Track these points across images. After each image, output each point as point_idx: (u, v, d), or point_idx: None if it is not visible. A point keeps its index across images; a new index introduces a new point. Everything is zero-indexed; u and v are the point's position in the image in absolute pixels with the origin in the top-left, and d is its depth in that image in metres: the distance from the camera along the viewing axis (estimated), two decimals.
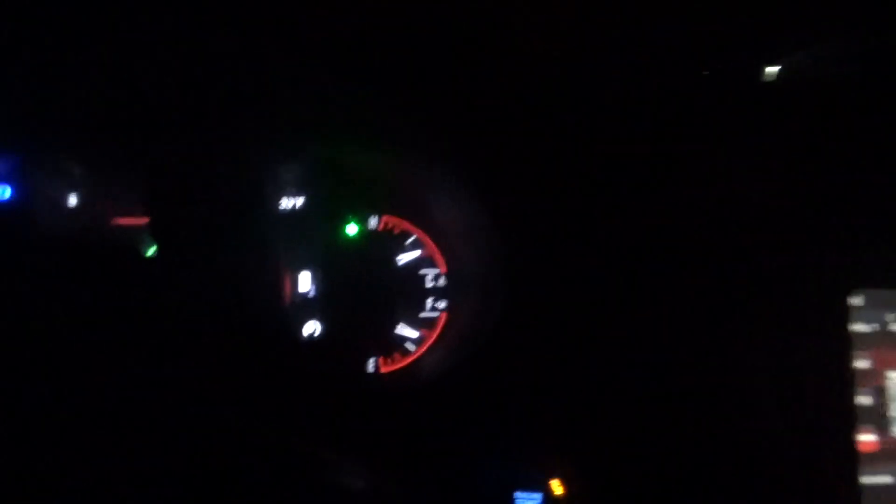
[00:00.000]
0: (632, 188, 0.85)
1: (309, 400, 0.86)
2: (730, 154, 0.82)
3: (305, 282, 0.94)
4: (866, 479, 0.78)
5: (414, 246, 0.95)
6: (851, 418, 0.78)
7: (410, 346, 0.95)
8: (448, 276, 0.95)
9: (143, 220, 0.90)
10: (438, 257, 0.95)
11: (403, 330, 0.94)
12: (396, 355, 0.94)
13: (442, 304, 0.95)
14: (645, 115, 0.84)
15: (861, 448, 0.79)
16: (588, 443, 0.81)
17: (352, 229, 0.95)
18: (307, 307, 0.93)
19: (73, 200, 0.91)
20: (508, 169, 0.88)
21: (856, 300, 0.81)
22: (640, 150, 0.85)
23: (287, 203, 0.95)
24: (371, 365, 0.94)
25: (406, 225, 0.95)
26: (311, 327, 0.94)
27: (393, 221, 0.96)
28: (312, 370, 0.91)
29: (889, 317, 0.81)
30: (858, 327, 0.80)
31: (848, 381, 0.79)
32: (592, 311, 0.84)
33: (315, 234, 0.94)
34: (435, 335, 0.95)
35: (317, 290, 0.93)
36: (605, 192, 0.86)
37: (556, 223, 0.86)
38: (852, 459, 0.78)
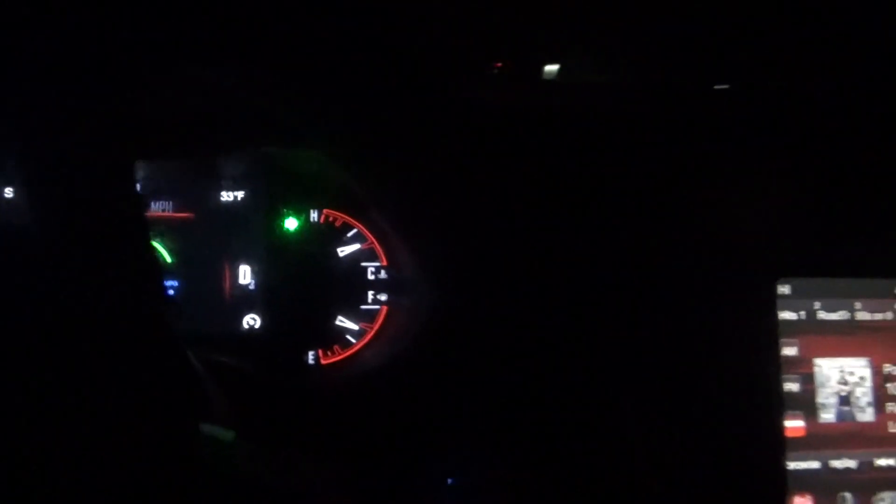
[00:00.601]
0: (567, 186, 0.86)
1: (247, 392, 0.86)
2: (657, 148, 0.83)
3: (245, 275, 0.94)
4: (793, 465, 0.79)
5: (355, 239, 0.95)
6: (779, 404, 0.79)
7: (351, 339, 0.95)
8: (388, 269, 0.95)
9: None
10: (379, 251, 0.95)
11: (344, 322, 0.94)
12: (336, 348, 0.94)
13: (383, 297, 0.95)
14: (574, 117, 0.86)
15: (788, 434, 0.80)
16: (523, 434, 0.82)
17: (292, 223, 0.95)
18: (247, 300, 0.93)
19: None
20: (447, 167, 0.89)
21: (783, 288, 0.82)
22: (577, 150, 0.86)
23: (227, 196, 0.95)
24: (311, 357, 0.94)
25: (347, 219, 0.95)
26: (251, 320, 0.93)
27: (334, 215, 0.96)
28: (251, 363, 0.90)
29: (816, 305, 0.82)
30: (786, 315, 0.82)
31: (776, 367, 0.80)
32: (530, 304, 0.85)
33: (255, 228, 0.94)
34: (375, 328, 0.95)
35: (256, 283, 0.93)
36: (540, 187, 0.87)
37: (494, 218, 0.87)
38: (779, 445, 0.79)
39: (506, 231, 0.86)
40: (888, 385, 0.82)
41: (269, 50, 0.83)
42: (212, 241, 0.93)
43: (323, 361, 0.94)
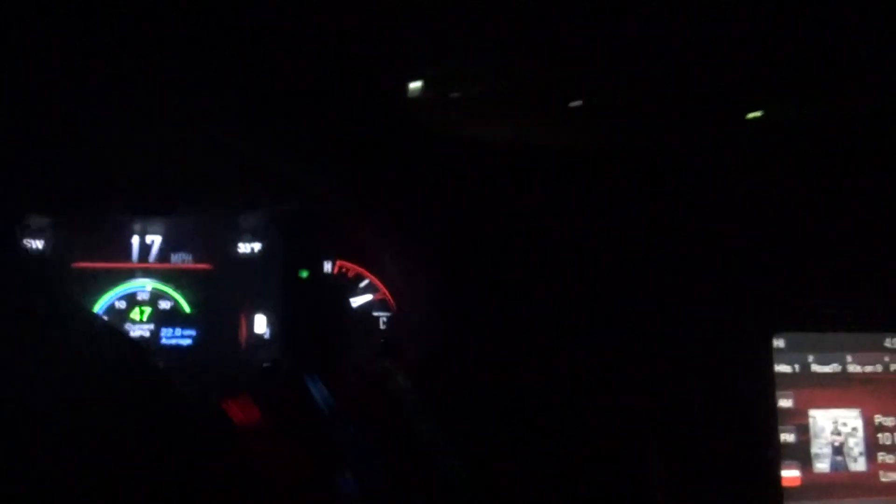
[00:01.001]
0: (565, 237, 0.90)
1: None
2: (653, 198, 0.88)
3: (261, 324, 0.97)
4: None
5: (367, 289, 0.99)
6: (777, 455, 0.83)
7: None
8: (399, 317, 0.99)
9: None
10: (390, 300, 0.99)
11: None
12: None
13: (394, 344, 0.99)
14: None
15: (785, 483, 0.83)
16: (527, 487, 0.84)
17: (307, 274, 0.99)
18: (262, 348, 0.96)
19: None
20: (451, 221, 0.92)
21: (779, 342, 0.86)
22: (580, 193, 0.90)
23: (244, 249, 0.98)
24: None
25: (359, 269, 0.99)
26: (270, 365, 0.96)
27: (346, 266, 1.00)
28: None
29: (810, 358, 0.86)
30: (781, 368, 0.85)
31: (773, 419, 0.83)
32: (533, 347, 0.88)
33: (271, 279, 0.97)
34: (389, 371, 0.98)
35: (272, 331, 0.97)
36: (542, 238, 0.90)
37: (501, 261, 0.90)
38: (776, 495, 0.82)
39: (509, 272, 0.89)
40: (879, 435, 0.86)
41: (266, 109, 0.87)
42: (229, 291, 0.97)
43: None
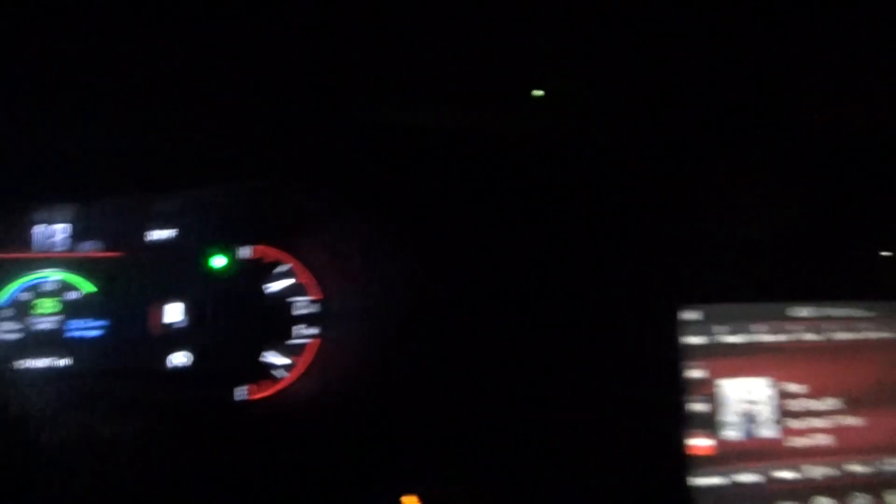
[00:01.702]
0: (496, 219, 0.90)
1: (176, 430, 0.87)
2: (566, 179, 0.88)
3: (175, 313, 0.95)
4: (699, 481, 0.84)
5: (286, 275, 0.98)
6: (683, 424, 0.84)
7: (280, 373, 0.96)
8: (322, 302, 0.98)
9: None
10: (313, 285, 0.98)
11: (271, 357, 0.96)
12: (266, 383, 0.96)
13: (312, 331, 0.97)
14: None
15: (694, 451, 0.85)
16: (456, 462, 0.84)
17: (221, 261, 0.97)
18: (176, 338, 0.94)
19: None
20: (384, 201, 0.92)
21: (688, 315, 0.87)
22: (506, 182, 0.90)
23: (157, 235, 0.96)
24: (240, 393, 0.95)
25: (279, 254, 0.98)
26: (181, 358, 0.94)
27: (265, 251, 0.98)
28: (179, 400, 0.91)
29: (719, 329, 0.88)
30: (691, 340, 0.87)
31: (680, 389, 0.85)
32: (459, 340, 0.88)
33: (184, 266, 0.95)
34: (305, 362, 0.97)
35: (185, 320, 0.94)
36: (470, 219, 0.91)
37: (428, 252, 0.90)
38: (684, 463, 0.83)
39: (439, 261, 0.89)
40: (787, 402, 0.88)
41: (196, 84, 0.86)
42: (140, 280, 0.94)
43: (253, 397, 0.95)
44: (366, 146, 0.92)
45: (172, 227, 0.96)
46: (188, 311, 0.94)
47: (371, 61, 0.91)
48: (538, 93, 1.01)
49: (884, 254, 0.95)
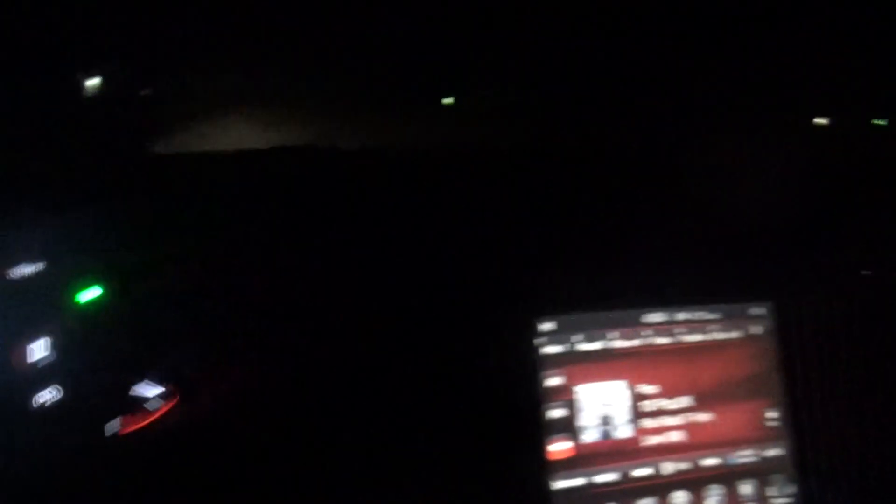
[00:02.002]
0: (354, 230, 0.93)
1: (45, 469, 0.86)
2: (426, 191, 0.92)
3: (40, 349, 0.93)
4: (559, 484, 0.88)
5: None
6: (542, 430, 0.88)
7: (155, 404, 0.96)
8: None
9: None
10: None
11: (144, 388, 0.96)
12: (140, 415, 0.95)
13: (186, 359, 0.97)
14: None
15: (556, 456, 0.89)
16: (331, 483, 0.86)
17: (89, 294, 0.96)
18: (42, 375, 0.92)
19: None
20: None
21: (546, 325, 0.92)
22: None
23: (20, 269, 0.94)
24: (112, 427, 0.94)
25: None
26: (48, 395, 0.93)
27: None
28: (46, 438, 0.89)
29: (575, 338, 0.93)
30: (549, 349, 0.91)
31: (539, 397, 0.89)
32: (332, 356, 0.90)
33: (51, 301, 0.94)
34: (179, 390, 0.97)
35: (53, 356, 0.93)
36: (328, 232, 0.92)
37: (290, 269, 0.92)
38: (544, 467, 0.87)
39: (303, 278, 0.91)
40: (641, 403, 0.93)
41: None
42: (2, 317, 0.93)
43: (126, 430, 0.94)
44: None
45: (36, 261, 0.94)
46: (55, 346, 0.92)
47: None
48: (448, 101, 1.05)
49: (729, 260, 1.01)
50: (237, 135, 0.94)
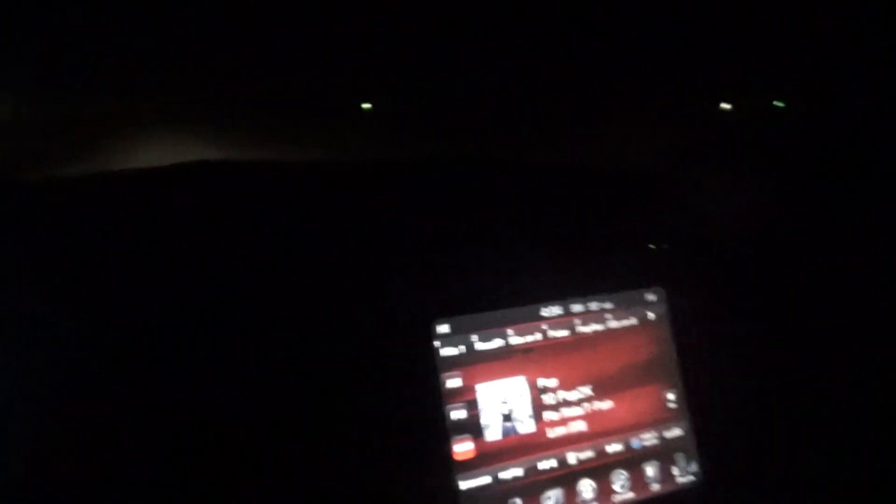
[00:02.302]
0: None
1: None
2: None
3: None
4: (467, 483, 0.89)
5: None
6: (445, 432, 0.89)
7: None
8: None
9: None
10: None
11: None
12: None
13: None
14: None
15: (459, 456, 0.89)
16: None
17: None
18: None
19: None
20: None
21: (442, 328, 0.92)
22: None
23: None
24: None
25: None
26: None
27: None
28: None
29: (473, 338, 0.93)
30: (447, 351, 0.92)
31: (438, 399, 0.89)
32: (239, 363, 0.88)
33: None
34: None
35: None
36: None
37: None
38: (448, 468, 0.88)
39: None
40: (543, 397, 0.95)
41: None
42: None
43: None
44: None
45: None
46: None
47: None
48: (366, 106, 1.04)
49: (620, 248, 1.04)
50: (147, 153, 0.92)
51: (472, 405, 0.92)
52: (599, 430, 0.96)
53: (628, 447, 0.98)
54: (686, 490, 0.99)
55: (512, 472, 0.91)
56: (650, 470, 0.98)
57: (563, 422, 0.95)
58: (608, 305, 1.00)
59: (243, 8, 0.92)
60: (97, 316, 0.83)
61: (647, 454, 0.98)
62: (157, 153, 1.06)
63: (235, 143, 1.12)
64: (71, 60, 0.98)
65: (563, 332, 0.98)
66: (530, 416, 0.94)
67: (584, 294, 1.00)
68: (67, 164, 1.09)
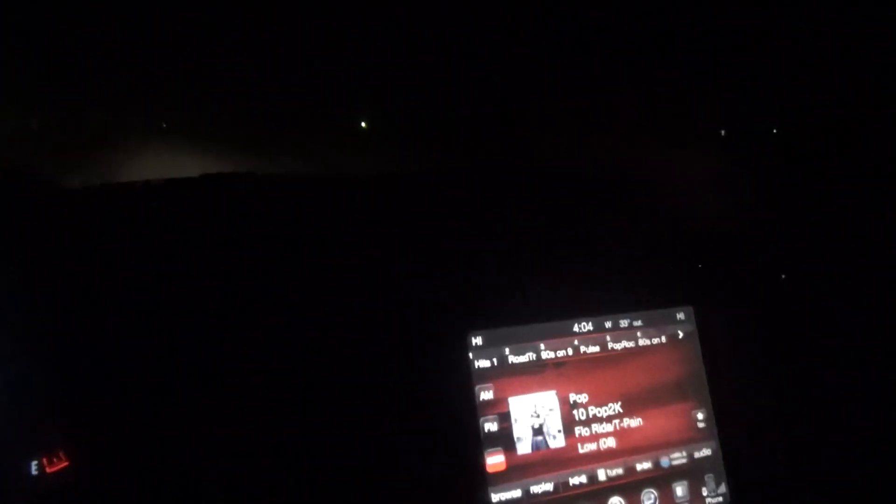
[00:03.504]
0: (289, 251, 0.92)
1: None
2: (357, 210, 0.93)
3: None
4: (498, 496, 0.89)
5: None
6: (478, 444, 0.89)
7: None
8: None
9: None
10: None
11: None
12: (62, 453, 0.92)
13: None
14: None
15: (491, 469, 0.89)
16: None
17: None
18: None
19: None
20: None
21: (476, 340, 0.93)
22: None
23: None
24: (34, 467, 0.90)
25: None
26: None
27: None
28: None
29: (506, 351, 0.94)
30: (480, 363, 0.92)
31: (472, 411, 0.90)
32: (258, 378, 0.88)
33: None
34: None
35: None
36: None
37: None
38: (481, 480, 0.88)
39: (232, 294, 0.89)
40: (573, 412, 0.95)
41: None
42: None
43: (48, 470, 0.91)
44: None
45: None
46: None
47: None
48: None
49: (651, 267, 1.05)
50: (157, 164, 0.93)
51: (504, 418, 0.92)
52: (629, 448, 0.96)
53: (657, 465, 0.97)
54: None
55: (542, 487, 0.91)
56: (680, 490, 0.98)
57: (594, 437, 0.95)
58: (639, 323, 1.01)
59: (244, 24, 0.94)
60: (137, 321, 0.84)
61: (677, 473, 0.98)
62: (165, 165, 1.07)
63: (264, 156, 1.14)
64: (71, 72, 1.00)
65: (595, 348, 0.98)
66: (560, 431, 0.94)
67: (615, 311, 1.00)
68: (66, 176, 1.10)
